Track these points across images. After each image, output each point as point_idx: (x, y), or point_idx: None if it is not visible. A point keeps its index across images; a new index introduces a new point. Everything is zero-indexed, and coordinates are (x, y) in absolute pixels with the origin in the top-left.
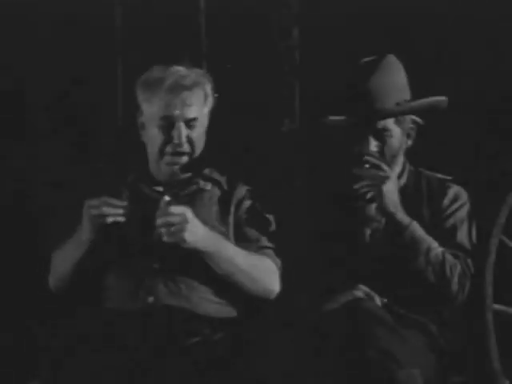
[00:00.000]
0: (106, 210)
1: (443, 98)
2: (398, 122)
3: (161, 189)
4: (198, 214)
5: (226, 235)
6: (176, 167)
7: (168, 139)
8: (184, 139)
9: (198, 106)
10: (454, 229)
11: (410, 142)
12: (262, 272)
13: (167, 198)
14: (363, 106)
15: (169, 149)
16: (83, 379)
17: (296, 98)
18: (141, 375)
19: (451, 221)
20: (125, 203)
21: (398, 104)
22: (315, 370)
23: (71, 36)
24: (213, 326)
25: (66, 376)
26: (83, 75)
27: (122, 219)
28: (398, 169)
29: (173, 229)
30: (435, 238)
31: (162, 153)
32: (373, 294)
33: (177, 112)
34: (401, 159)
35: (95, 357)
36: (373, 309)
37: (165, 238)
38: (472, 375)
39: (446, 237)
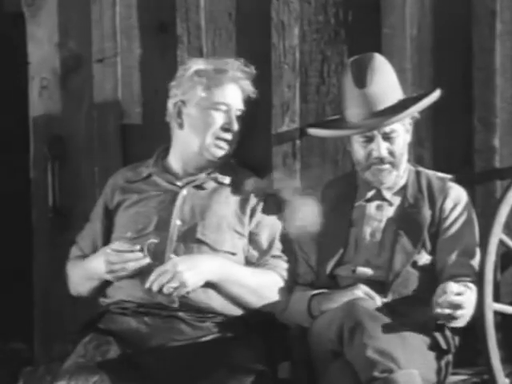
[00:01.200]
0: (127, 257)
1: (438, 91)
2: (401, 121)
3: (179, 183)
4: (215, 210)
5: (239, 234)
6: (221, 152)
7: (221, 125)
8: (235, 127)
9: (243, 98)
10: (462, 234)
11: (409, 137)
12: (270, 289)
13: (185, 192)
14: (367, 112)
15: (218, 134)
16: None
17: (296, 98)
18: (147, 370)
19: (457, 225)
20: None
21: (401, 105)
22: (314, 370)
23: None
24: (223, 325)
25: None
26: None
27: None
28: (404, 166)
29: (168, 289)
30: (442, 242)
31: (216, 136)
32: (373, 293)
33: (231, 101)
34: (406, 156)
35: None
36: (372, 308)
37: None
38: (472, 374)
39: (455, 242)
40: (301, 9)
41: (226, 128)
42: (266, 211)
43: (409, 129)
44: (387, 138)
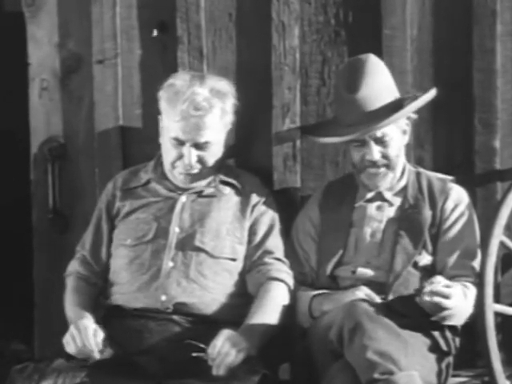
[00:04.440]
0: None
1: (433, 91)
2: (395, 125)
3: (178, 190)
4: (214, 217)
5: (239, 240)
6: (188, 177)
7: (178, 157)
8: (193, 161)
9: (212, 128)
10: (463, 235)
11: (406, 138)
12: (282, 312)
13: (183, 199)
14: (358, 117)
15: (179, 164)
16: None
17: (296, 100)
18: (141, 368)
19: (458, 226)
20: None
21: (392, 107)
22: (314, 371)
23: None
24: (219, 328)
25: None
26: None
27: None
28: (400, 168)
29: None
30: (442, 243)
31: (173, 166)
32: (374, 295)
33: (187, 137)
34: (403, 157)
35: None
36: (372, 310)
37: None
38: (472, 376)
39: (455, 243)
40: (301, 9)
41: (185, 163)
42: (265, 209)
43: (406, 129)
44: (380, 141)
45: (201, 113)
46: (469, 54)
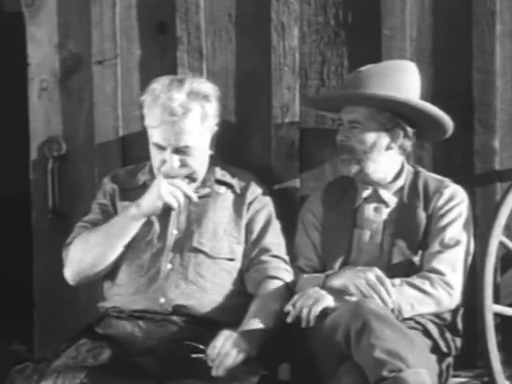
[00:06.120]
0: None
1: (407, 99)
2: (371, 117)
3: None
4: (211, 217)
5: (237, 239)
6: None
7: (162, 162)
8: (176, 166)
9: (191, 132)
10: (445, 226)
11: (393, 145)
12: (281, 310)
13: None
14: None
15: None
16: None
17: (296, 100)
18: (141, 369)
19: (445, 220)
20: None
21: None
22: (314, 372)
23: None
24: (218, 328)
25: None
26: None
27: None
28: (372, 166)
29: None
30: (431, 238)
31: (159, 171)
32: (384, 278)
33: (166, 142)
34: (383, 158)
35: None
36: (378, 309)
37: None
38: (472, 377)
39: (436, 234)
40: (300, 9)
41: (164, 165)
42: (261, 207)
43: (394, 134)
44: (351, 126)
45: (176, 118)
46: (468, 54)
